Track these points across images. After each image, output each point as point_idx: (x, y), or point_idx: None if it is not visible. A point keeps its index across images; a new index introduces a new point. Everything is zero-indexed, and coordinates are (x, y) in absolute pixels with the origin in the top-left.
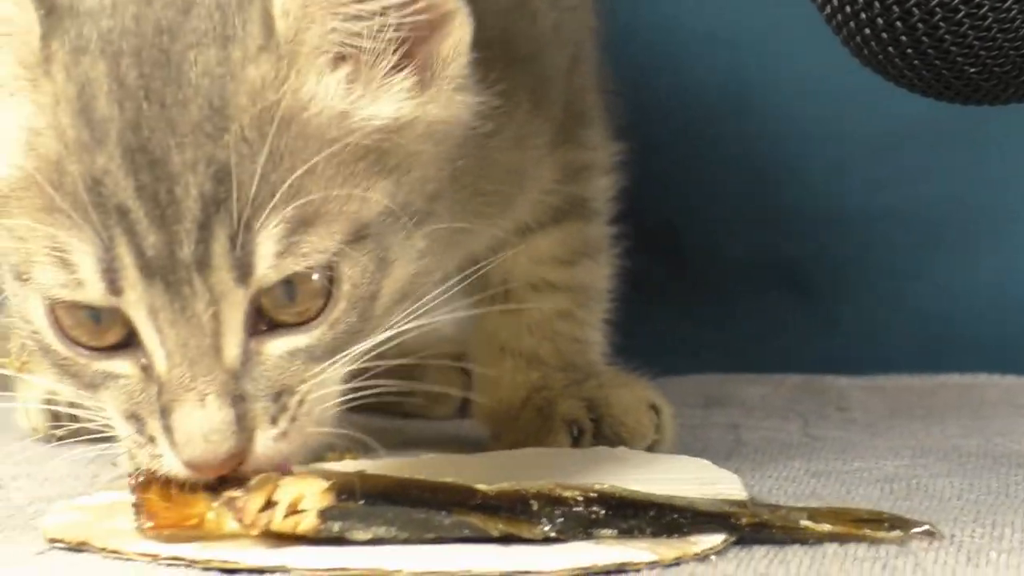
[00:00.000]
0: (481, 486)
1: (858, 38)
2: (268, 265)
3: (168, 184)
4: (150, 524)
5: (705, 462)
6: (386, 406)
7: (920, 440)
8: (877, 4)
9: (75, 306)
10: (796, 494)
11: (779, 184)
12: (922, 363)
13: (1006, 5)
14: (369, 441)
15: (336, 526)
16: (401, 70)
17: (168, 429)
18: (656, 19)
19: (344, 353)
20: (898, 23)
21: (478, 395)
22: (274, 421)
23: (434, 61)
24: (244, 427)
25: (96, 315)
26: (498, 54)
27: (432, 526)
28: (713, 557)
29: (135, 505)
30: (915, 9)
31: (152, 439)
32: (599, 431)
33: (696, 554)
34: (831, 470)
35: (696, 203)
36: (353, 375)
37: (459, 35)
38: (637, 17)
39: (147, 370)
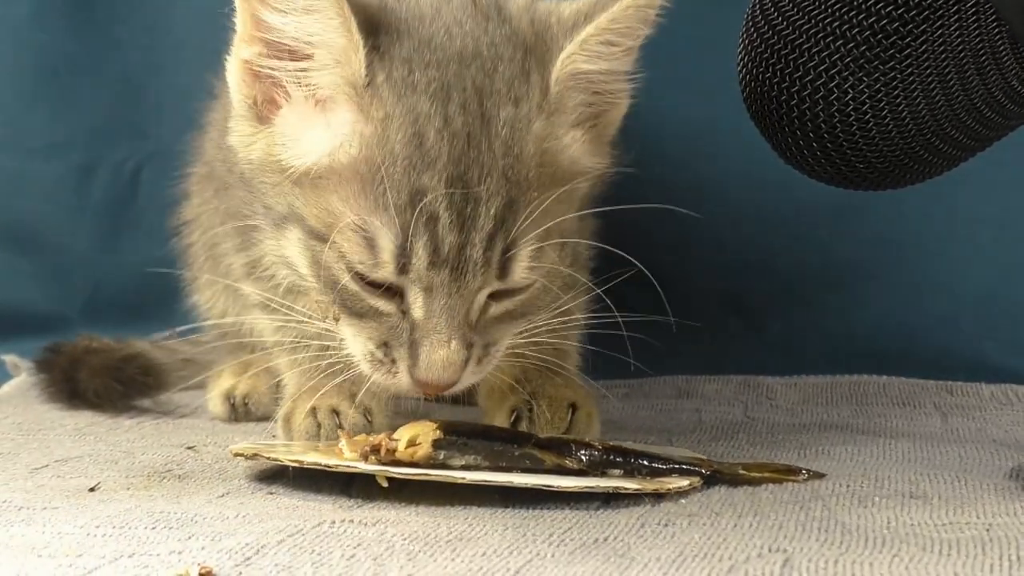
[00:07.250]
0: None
1: (777, 138)
2: (520, 275)
3: (474, 205)
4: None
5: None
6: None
7: (824, 420)
8: (796, 121)
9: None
10: (739, 457)
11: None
12: (825, 367)
13: (885, 124)
14: None
15: (442, 454)
16: (591, 129)
17: (414, 356)
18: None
19: (528, 318)
20: (811, 134)
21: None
22: (479, 361)
23: (605, 126)
24: (465, 363)
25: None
26: None
27: (506, 456)
28: (683, 500)
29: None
30: (822, 125)
31: (394, 361)
32: None
33: (668, 490)
34: (764, 440)
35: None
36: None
37: (622, 110)
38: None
39: (405, 313)
